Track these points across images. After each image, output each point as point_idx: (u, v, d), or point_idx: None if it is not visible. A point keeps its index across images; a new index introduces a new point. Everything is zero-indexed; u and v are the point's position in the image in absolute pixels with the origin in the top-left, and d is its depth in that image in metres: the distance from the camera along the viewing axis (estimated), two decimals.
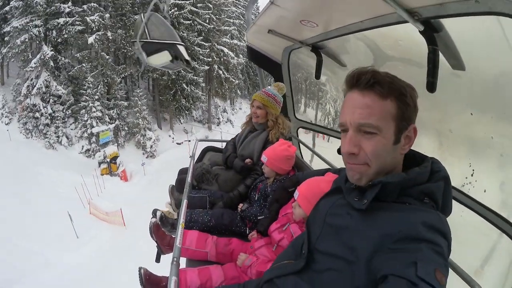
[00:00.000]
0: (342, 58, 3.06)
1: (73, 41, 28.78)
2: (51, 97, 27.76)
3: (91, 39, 27.55)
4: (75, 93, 29.09)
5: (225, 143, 3.54)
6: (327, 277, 1.16)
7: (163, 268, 2.04)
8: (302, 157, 4.09)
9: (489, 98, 1.74)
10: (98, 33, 28.04)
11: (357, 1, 1.88)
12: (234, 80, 37.85)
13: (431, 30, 1.57)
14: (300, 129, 4.34)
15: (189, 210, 2.54)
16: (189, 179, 2.82)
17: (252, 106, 3.18)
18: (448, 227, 1.07)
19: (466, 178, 1.91)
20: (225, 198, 2.84)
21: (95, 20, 27.60)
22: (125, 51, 30.97)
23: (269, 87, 3.26)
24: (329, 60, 3.10)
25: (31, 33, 26.69)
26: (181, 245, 1.84)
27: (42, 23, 27.10)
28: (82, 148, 27.98)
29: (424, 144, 2.16)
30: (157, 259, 2.38)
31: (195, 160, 3.42)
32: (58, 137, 27.70)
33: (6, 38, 27.48)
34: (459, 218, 1.92)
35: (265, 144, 3.04)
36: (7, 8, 26.94)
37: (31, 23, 26.58)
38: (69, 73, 28.53)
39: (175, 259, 1.68)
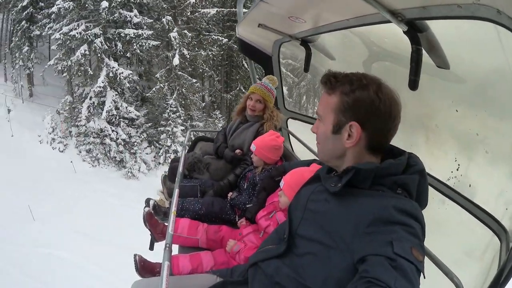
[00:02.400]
0: (331, 51, 3.11)
1: (145, 57, 23.73)
2: (121, 119, 21.92)
3: (176, 60, 21.96)
4: (151, 115, 23.95)
5: (217, 133, 3.60)
6: (306, 260, 1.21)
7: (156, 256, 2.11)
8: (292, 148, 4.16)
9: (474, 96, 1.77)
10: (174, 51, 22.18)
11: (343, 1, 1.93)
12: None
13: (415, 31, 1.61)
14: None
15: (181, 198, 2.59)
16: (180, 168, 2.88)
17: (249, 98, 3.18)
18: (420, 213, 1.12)
19: (452, 172, 1.92)
20: (215, 187, 2.89)
21: (176, 37, 21.91)
22: (201, 71, 25.20)
23: (265, 80, 3.28)
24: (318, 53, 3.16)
25: (95, 44, 20.39)
26: (173, 232, 1.90)
27: (101, 32, 21.07)
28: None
29: (411, 138, 2.20)
30: (151, 247, 2.45)
31: (186, 150, 3.48)
32: (136, 163, 21.90)
33: (53, 47, 21.77)
34: (443, 211, 1.97)
35: (256, 135, 3.08)
36: (54, 9, 20.73)
37: (89, 31, 20.56)
38: (146, 94, 23.47)
39: (167, 245, 1.74)
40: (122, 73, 21.08)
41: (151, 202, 2.60)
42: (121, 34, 21.39)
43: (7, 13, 27.33)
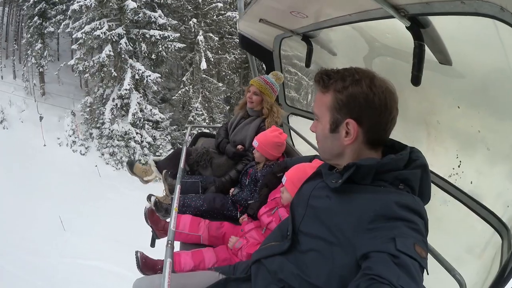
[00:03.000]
0: (332, 47, 3.09)
1: (170, 60, 23.21)
2: (146, 122, 21.49)
3: (203, 64, 21.40)
4: (175, 117, 23.52)
5: (218, 128, 3.59)
6: (310, 257, 1.22)
7: (158, 253, 2.12)
8: (293, 143, 4.16)
9: (476, 93, 1.76)
10: (200, 54, 21.41)
11: None
12: None
13: (418, 26, 1.59)
14: None
15: (182, 195, 2.60)
16: (181, 164, 2.88)
17: (248, 91, 3.19)
18: (423, 208, 1.11)
19: (453, 169, 1.92)
20: (217, 183, 2.91)
21: (202, 40, 21.40)
22: (223, 74, 24.57)
23: (269, 75, 3.27)
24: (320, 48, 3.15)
25: (120, 45, 19.70)
26: (175, 229, 1.91)
27: (124, 32, 20.15)
28: None
29: (412, 134, 2.20)
30: (152, 244, 2.46)
31: (188, 145, 3.48)
32: None
33: (74, 46, 20.75)
34: (445, 208, 1.98)
35: (257, 131, 3.08)
36: (75, 6, 19.45)
37: (112, 31, 19.68)
38: (172, 97, 23.28)
39: (169, 242, 1.75)
40: (149, 76, 20.65)
41: (152, 199, 2.61)
42: (146, 35, 20.78)
43: (15, 7, 26.58)
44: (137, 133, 21.00)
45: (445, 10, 1.39)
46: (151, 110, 21.40)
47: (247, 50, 4.25)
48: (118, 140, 20.80)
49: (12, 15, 27.71)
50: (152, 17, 20.78)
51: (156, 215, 2.48)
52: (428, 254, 1.04)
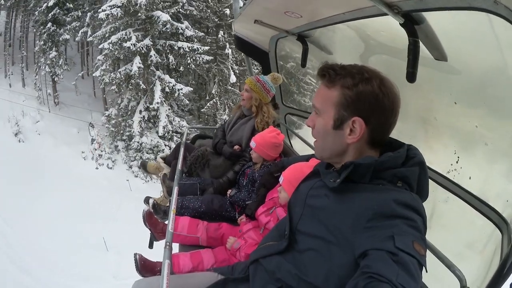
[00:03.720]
0: (327, 46, 3.09)
1: (198, 72, 22.87)
2: (174, 134, 21.03)
3: (233, 77, 21.70)
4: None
5: (215, 130, 3.60)
6: (308, 256, 1.21)
7: (156, 255, 2.11)
8: (290, 143, 4.16)
9: (473, 89, 1.75)
10: (228, 66, 21.77)
11: None
12: None
13: (412, 23, 1.59)
14: None
15: (180, 197, 2.60)
16: (179, 166, 2.88)
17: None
18: (422, 205, 1.11)
19: (452, 165, 1.91)
20: (215, 184, 2.90)
21: (230, 53, 21.55)
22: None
23: (267, 76, 3.26)
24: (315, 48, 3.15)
25: (151, 57, 19.19)
26: (173, 230, 1.91)
27: (151, 43, 19.54)
28: None
29: (410, 131, 2.19)
30: (150, 245, 2.46)
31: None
32: None
33: (100, 57, 20.02)
34: (444, 204, 1.98)
35: (253, 131, 3.08)
36: (102, 15, 18.78)
37: (141, 42, 19.07)
38: (201, 110, 22.93)
39: (167, 243, 1.74)
40: (181, 89, 20.36)
41: (151, 201, 2.61)
42: (174, 47, 20.31)
43: (22, 13, 25.38)
44: (165, 145, 20.68)
45: (438, 6, 1.38)
46: (179, 122, 21.12)
47: (243, 51, 4.25)
48: (147, 153, 20.50)
49: (17, 20, 26.48)
50: (180, 28, 20.37)
51: (154, 217, 2.47)
52: (428, 251, 1.04)
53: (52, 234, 14.35)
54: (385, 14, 1.61)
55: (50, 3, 21.45)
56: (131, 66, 19.36)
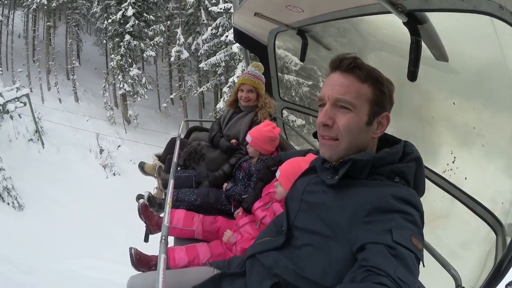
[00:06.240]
0: (327, 41, 3.07)
1: None
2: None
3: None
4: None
5: (211, 123, 3.57)
6: (305, 252, 1.21)
7: (152, 249, 2.10)
8: (286, 137, 4.15)
9: (471, 90, 1.76)
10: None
11: None
12: None
13: (415, 22, 1.57)
14: None
15: (176, 189, 2.58)
16: (175, 159, 2.86)
17: (240, 90, 3.13)
18: (419, 200, 1.12)
19: (448, 165, 1.91)
20: (210, 177, 2.89)
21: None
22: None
23: (251, 68, 3.25)
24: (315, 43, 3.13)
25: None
26: (169, 224, 1.90)
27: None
28: None
29: (407, 129, 2.21)
30: (146, 239, 2.44)
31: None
32: None
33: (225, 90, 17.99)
34: (439, 203, 1.98)
35: (251, 125, 3.07)
36: (205, 35, 18.29)
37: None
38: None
39: (163, 237, 1.73)
40: None
41: (146, 194, 2.59)
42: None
43: (67, 22, 22.88)
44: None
45: (443, 7, 1.38)
46: None
47: (241, 44, 4.21)
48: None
49: (67, 28, 23.60)
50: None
51: (149, 210, 2.46)
52: (423, 248, 1.04)
53: None
54: (389, 12, 1.60)
55: (129, 13, 19.36)
56: None
